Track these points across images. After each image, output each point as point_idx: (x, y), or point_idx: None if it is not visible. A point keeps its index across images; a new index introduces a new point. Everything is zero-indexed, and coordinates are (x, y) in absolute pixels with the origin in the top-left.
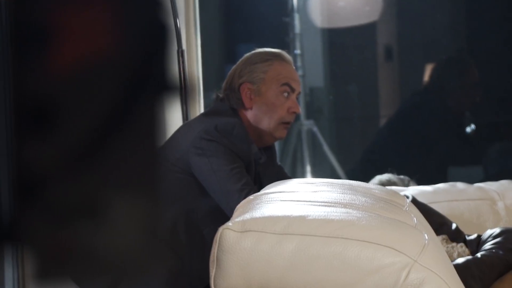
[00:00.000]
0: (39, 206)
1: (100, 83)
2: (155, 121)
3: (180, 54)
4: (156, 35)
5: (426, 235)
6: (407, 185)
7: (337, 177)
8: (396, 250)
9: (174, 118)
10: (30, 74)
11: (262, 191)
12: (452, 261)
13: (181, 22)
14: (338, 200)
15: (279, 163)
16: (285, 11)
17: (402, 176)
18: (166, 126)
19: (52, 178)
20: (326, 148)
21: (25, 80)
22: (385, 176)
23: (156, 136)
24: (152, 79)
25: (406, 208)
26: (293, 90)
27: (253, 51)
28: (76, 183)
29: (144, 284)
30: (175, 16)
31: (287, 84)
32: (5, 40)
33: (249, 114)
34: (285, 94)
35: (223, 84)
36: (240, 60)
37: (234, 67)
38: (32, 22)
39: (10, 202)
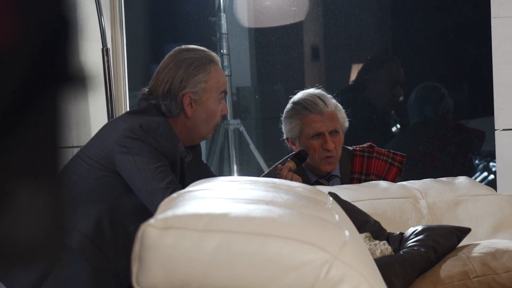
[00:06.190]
0: None
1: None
2: (56, 110)
3: (104, 53)
4: (58, 28)
5: (347, 231)
6: (330, 101)
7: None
8: (316, 246)
9: (99, 117)
10: None
11: (186, 189)
12: (374, 258)
13: (106, 21)
14: (261, 198)
15: (204, 161)
16: (212, 10)
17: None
18: (70, 116)
19: None
20: (252, 147)
21: None
22: (310, 90)
23: (58, 125)
24: (54, 70)
25: (329, 205)
26: (225, 94)
27: (185, 51)
28: None
29: (69, 282)
30: (100, 14)
31: (224, 91)
32: None
33: (186, 120)
34: (220, 100)
35: (157, 88)
36: (173, 62)
37: (168, 71)
38: None
39: None
